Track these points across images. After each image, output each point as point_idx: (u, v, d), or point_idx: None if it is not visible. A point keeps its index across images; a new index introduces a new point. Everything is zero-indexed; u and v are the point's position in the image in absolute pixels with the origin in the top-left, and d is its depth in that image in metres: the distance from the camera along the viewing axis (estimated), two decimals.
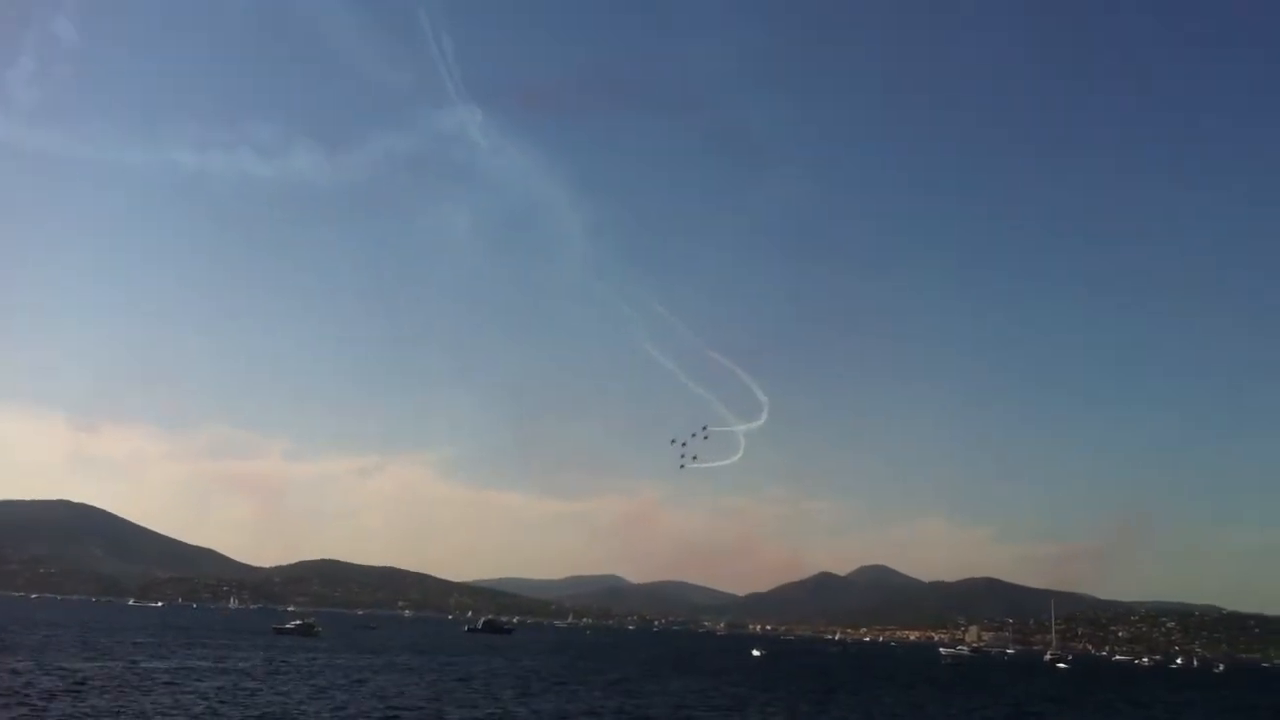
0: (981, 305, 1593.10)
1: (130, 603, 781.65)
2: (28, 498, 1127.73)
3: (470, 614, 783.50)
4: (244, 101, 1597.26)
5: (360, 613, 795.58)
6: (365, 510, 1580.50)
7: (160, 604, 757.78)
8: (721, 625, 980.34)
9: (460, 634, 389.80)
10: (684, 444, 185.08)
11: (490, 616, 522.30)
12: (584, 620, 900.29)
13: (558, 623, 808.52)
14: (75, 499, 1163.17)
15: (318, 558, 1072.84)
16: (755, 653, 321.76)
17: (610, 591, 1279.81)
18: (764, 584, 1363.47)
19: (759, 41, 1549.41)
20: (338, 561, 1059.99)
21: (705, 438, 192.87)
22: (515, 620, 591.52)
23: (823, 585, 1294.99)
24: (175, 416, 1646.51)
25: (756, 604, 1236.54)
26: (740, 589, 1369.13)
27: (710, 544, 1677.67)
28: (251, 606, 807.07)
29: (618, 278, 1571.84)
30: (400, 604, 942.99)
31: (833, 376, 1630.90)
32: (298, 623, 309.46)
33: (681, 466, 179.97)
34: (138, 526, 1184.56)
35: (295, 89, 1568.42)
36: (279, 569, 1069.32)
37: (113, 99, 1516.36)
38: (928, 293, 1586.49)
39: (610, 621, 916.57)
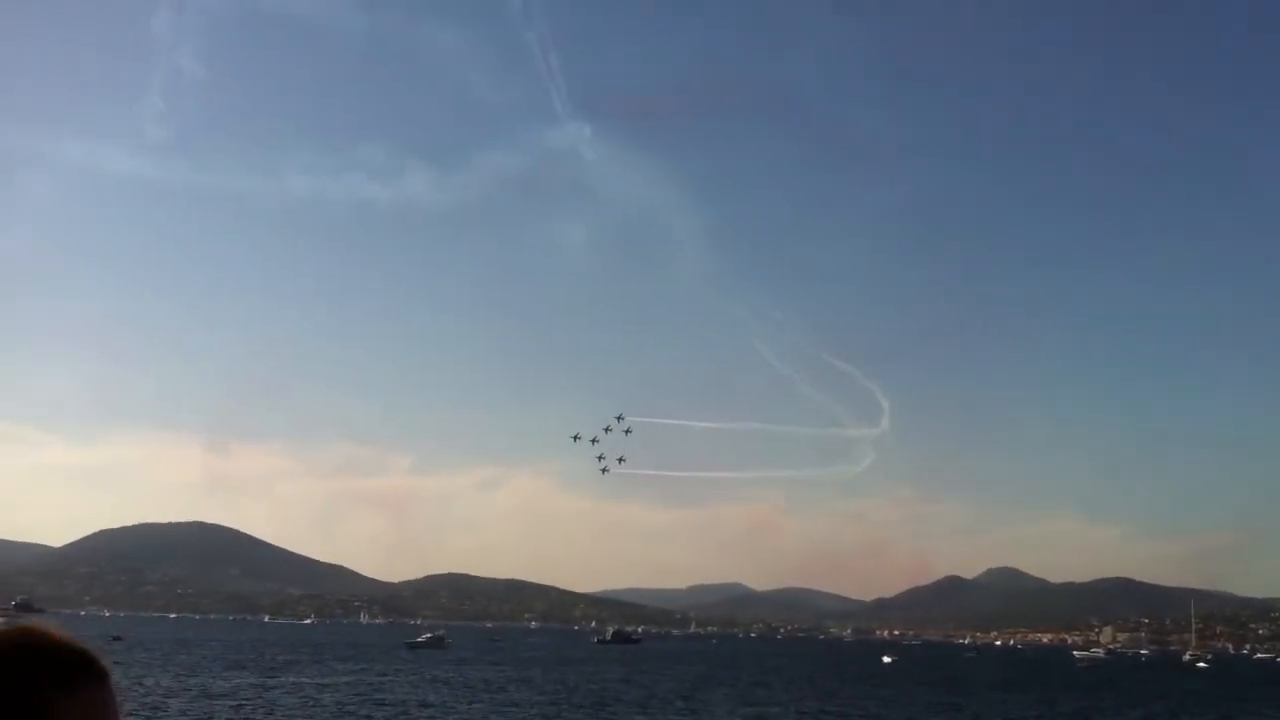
0: (1106, 303, 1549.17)
1: (266, 620, 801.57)
2: (164, 520, 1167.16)
3: (594, 624, 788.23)
4: (356, 127, 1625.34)
5: (489, 625, 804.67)
6: (490, 523, 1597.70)
7: (310, 620, 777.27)
8: (848, 631, 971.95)
9: (590, 645, 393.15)
10: (594, 441, 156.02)
11: (618, 627, 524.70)
12: (708, 629, 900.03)
13: (675, 631, 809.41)
14: (209, 520, 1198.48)
15: (445, 571, 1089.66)
16: (886, 659, 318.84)
17: (734, 599, 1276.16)
18: (890, 588, 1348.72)
19: (866, 41, 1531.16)
20: (465, 575, 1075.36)
21: (627, 431, 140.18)
22: (640, 630, 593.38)
23: (950, 588, 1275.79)
24: (302, 436, 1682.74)
25: (883, 609, 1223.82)
26: (866, 594, 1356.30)
27: (834, 549, 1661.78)
28: (381, 621, 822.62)
29: (733, 284, 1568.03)
30: (526, 616, 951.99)
31: (957, 377, 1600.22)
32: (428, 635, 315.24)
33: (604, 471, 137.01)
34: (270, 545, 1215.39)
35: (406, 112, 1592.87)
36: (408, 583, 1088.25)
37: (232, 129, 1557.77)
38: (1052, 290, 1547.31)
39: (735, 630, 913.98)
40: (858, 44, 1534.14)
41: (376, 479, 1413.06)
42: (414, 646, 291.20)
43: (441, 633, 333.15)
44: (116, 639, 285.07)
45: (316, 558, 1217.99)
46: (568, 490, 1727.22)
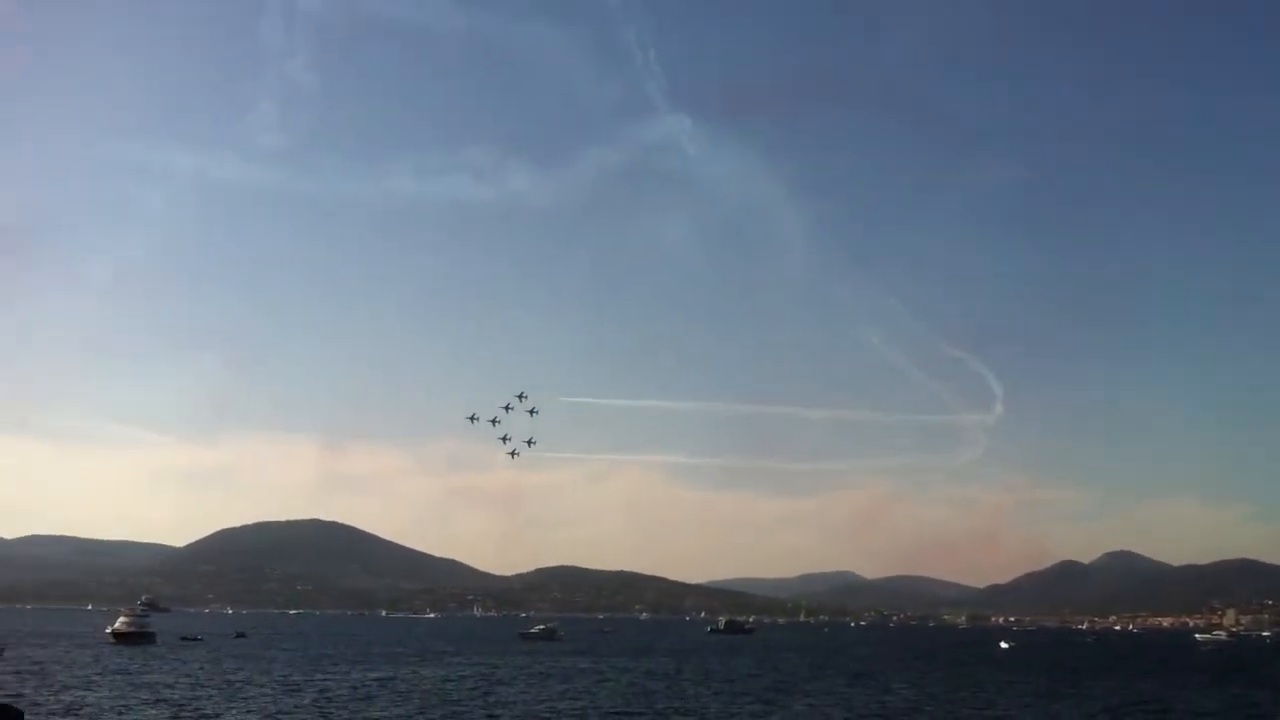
0: (1222, 282, 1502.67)
1: (383, 614, 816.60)
2: (282, 519, 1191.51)
3: (704, 614, 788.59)
4: (459, 128, 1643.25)
5: (600, 616, 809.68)
6: (599, 516, 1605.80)
7: (432, 615, 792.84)
8: (962, 618, 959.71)
9: (703, 634, 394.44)
10: (495, 421, 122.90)
11: (730, 617, 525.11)
12: (819, 618, 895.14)
13: (780, 620, 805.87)
14: (326, 518, 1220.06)
15: (555, 564, 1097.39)
16: (1003, 645, 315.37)
17: (844, 588, 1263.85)
18: (1004, 575, 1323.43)
19: (970, 21, 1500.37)
20: (575, 567, 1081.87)
21: (532, 411, 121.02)
22: (751, 619, 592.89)
23: (1066, 574, 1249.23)
24: (413, 433, 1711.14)
25: (997, 596, 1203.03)
26: (979, 581, 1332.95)
27: (946, 536, 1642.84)
28: (494, 614, 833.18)
29: (840, 273, 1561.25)
30: (637, 607, 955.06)
31: (1071, 359, 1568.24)
32: (541, 627, 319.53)
33: (513, 455, 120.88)
34: (385, 541, 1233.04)
35: (507, 112, 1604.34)
36: (519, 576, 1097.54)
37: (340, 135, 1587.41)
38: (1166, 270, 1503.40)
39: (846, 619, 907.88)
40: (961, 25, 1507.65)
41: (486, 474, 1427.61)
42: (527, 638, 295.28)
43: (554, 624, 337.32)
44: (240, 635, 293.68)
45: (430, 552, 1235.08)
46: (677, 481, 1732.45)
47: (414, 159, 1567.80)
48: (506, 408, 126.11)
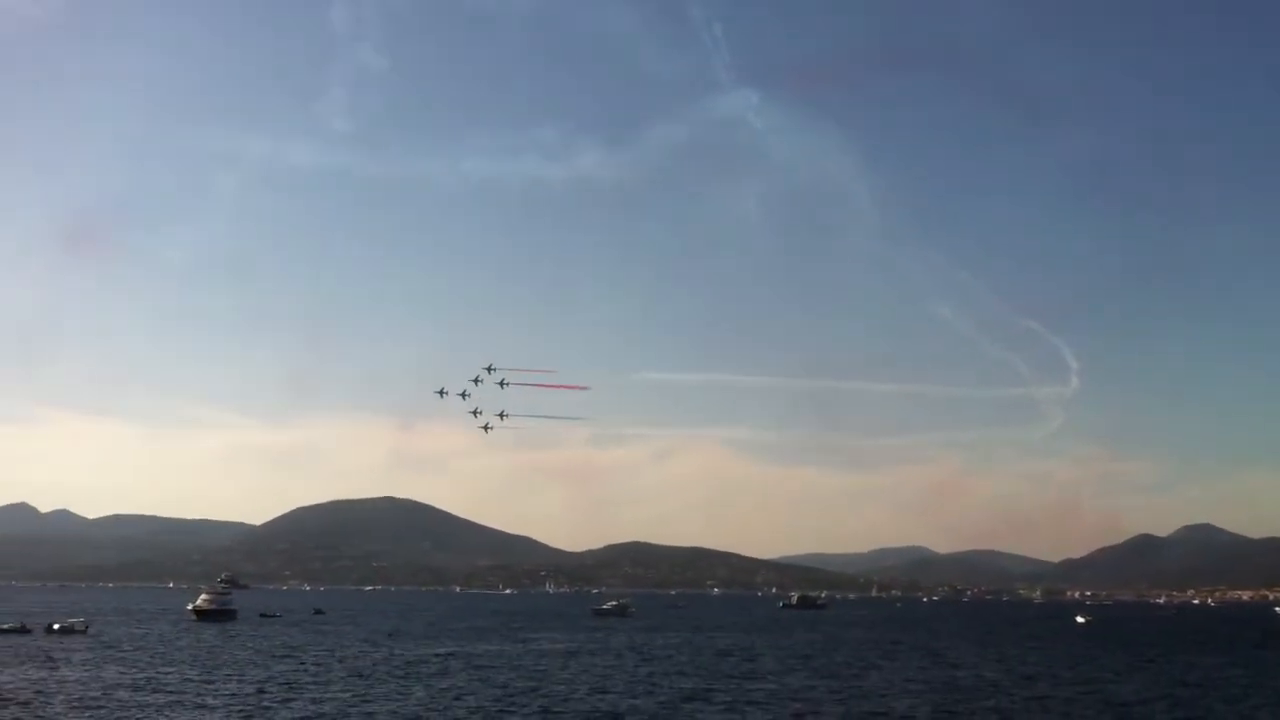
0: None
1: (457, 590, 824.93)
2: (357, 496, 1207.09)
3: (775, 590, 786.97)
4: (528, 107, 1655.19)
5: (673, 592, 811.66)
6: (669, 492, 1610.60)
7: (508, 591, 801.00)
8: (1037, 593, 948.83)
9: (775, 610, 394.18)
10: (464, 395, 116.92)
11: (802, 592, 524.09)
12: (891, 593, 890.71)
13: (851, 595, 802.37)
14: (400, 495, 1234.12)
15: (627, 540, 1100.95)
16: (1079, 620, 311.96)
17: (917, 563, 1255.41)
18: (1078, 549, 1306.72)
19: None
20: (646, 543, 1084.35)
21: (502, 384, 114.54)
22: (823, 595, 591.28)
23: (1142, 547, 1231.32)
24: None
25: (1072, 570, 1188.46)
26: (1054, 555, 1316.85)
27: (1019, 510, 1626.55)
28: (566, 590, 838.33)
29: (911, 244, 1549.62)
30: (709, 583, 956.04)
31: (1147, 330, 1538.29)
32: (613, 604, 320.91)
33: (486, 429, 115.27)
34: (458, 518, 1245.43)
35: (575, 91, 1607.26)
36: (591, 553, 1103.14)
37: (411, 118, 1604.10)
38: (1244, 239, 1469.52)
39: (918, 594, 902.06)
40: None
41: (556, 451, 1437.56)
42: (600, 614, 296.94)
43: (626, 600, 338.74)
44: (319, 612, 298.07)
45: (503, 529, 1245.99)
46: (747, 456, 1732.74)
47: (484, 139, 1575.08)
48: (475, 380, 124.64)
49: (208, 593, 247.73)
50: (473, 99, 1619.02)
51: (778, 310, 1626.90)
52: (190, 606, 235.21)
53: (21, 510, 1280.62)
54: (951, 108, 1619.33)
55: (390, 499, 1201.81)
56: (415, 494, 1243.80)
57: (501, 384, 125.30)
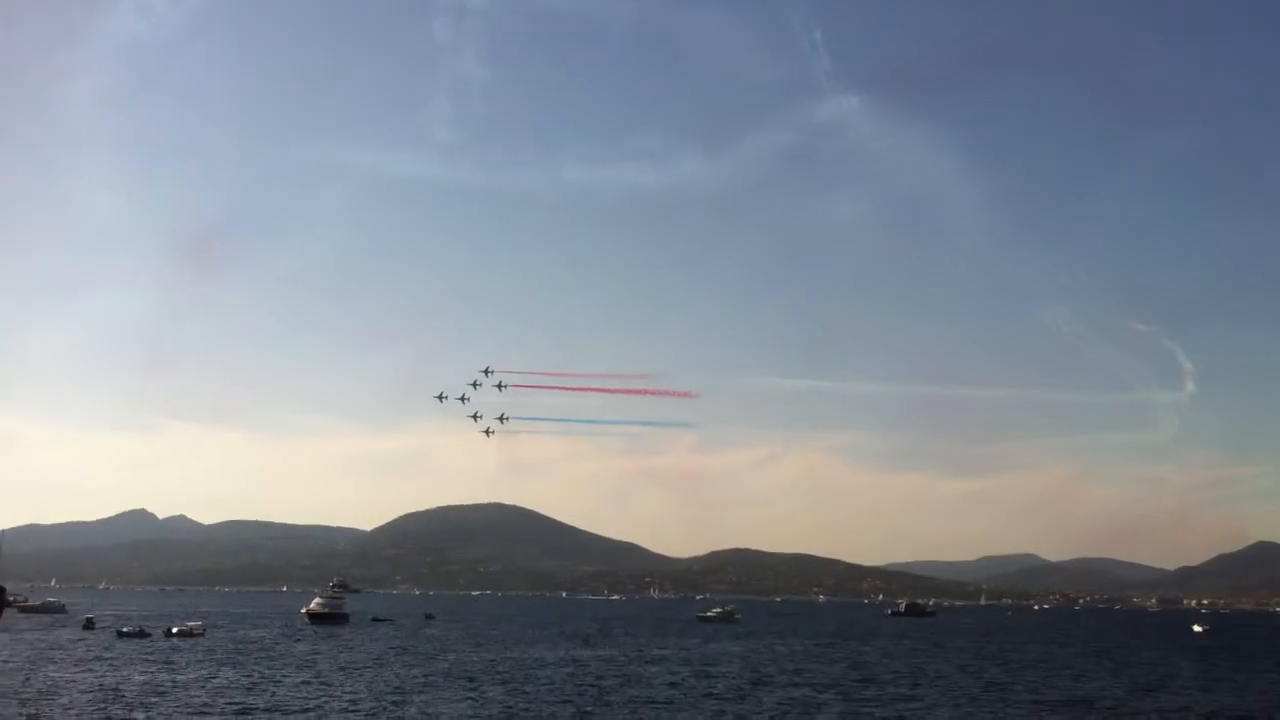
0: None
1: (563, 596, 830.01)
2: (464, 502, 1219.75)
3: (882, 597, 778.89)
4: (627, 115, 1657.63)
5: (777, 599, 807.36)
6: (774, 498, 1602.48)
7: (617, 597, 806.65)
8: (1153, 601, 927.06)
9: (882, 617, 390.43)
10: (464, 399, 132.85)
11: (910, 600, 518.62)
12: (1001, 601, 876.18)
13: (959, 603, 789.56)
14: (507, 501, 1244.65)
15: (732, 547, 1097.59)
16: (1196, 629, 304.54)
17: (1027, 571, 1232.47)
18: (1195, 556, 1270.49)
19: None
20: (752, 550, 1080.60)
21: (500, 386, 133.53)
22: (932, 602, 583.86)
23: (1263, 555, 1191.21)
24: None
25: (1188, 578, 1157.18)
26: (1169, 563, 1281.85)
27: (1133, 517, 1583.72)
28: (671, 596, 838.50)
29: (1020, 247, 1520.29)
30: (814, 590, 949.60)
31: (1266, 332, 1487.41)
32: (719, 610, 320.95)
33: (488, 433, 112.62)
34: (564, 524, 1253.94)
35: (673, 99, 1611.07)
36: (696, 559, 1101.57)
37: (513, 127, 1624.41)
38: None
39: (1029, 601, 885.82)
40: None
41: (661, 458, 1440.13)
42: (705, 620, 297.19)
43: (731, 607, 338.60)
44: (429, 617, 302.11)
45: (609, 535, 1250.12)
46: (853, 462, 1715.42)
47: (585, 148, 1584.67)
48: (474, 384, 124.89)
49: (322, 597, 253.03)
50: (573, 107, 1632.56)
51: (885, 316, 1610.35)
52: (304, 610, 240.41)
53: (141, 516, 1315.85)
54: (1057, 106, 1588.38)
55: (497, 505, 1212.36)
56: (523, 500, 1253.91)
57: (499, 386, 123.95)
